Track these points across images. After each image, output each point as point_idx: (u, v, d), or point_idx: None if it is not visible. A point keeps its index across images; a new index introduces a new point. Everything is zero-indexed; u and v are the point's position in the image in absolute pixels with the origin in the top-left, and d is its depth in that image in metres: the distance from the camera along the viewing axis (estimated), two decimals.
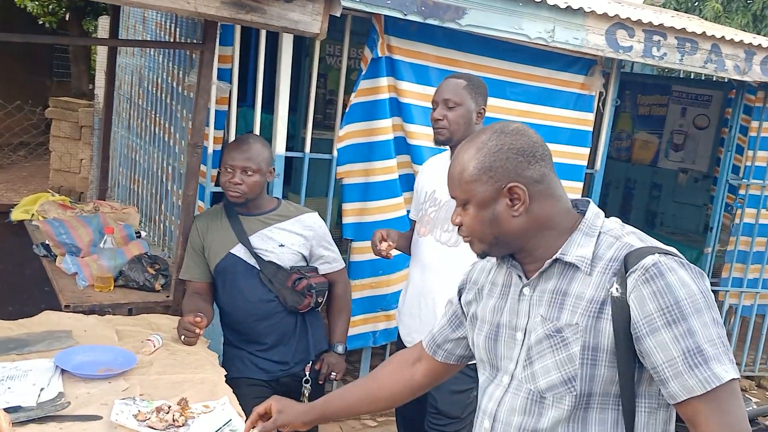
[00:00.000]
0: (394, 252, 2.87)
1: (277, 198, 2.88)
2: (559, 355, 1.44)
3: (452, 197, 1.57)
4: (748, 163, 5.11)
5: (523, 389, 1.51)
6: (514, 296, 1.55)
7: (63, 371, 2.15)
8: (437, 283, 2.67)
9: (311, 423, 1.84)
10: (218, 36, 2.88)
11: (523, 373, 1.51)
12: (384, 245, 2.78)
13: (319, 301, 2.73)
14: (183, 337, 2.50)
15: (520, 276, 1.55)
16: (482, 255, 1.57)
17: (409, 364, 1.85)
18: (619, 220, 1.52)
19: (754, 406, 2.91)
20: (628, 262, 1.38)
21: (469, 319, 1.70)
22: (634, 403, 1.42)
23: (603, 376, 1.41)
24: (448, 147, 2.73)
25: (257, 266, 2.65)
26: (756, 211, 5.20)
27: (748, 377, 5.52)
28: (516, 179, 1.45)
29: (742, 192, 5.15)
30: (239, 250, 2.66)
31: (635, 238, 1.44)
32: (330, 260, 2.80)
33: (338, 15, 2.50)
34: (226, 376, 2.35)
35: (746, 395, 3.16)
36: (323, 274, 2.77)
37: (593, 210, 1.51)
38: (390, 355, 4.30)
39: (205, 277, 2.75)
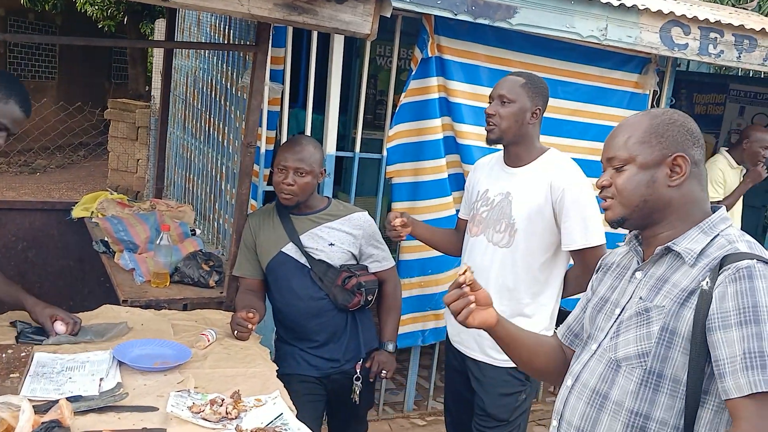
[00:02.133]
0: (408, 231, 2.86)
1: (328, 197, 2.90)
2: (641, 331, 1.54)
3: (607, 158, 1.64)
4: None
5: (605, 357, 1.61)
6: (627, 277, 1.66)
7: (120, 363, 2.22)
8: (489, 283, 2.65)
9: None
10: (271, 38, 2.92)
11: (609, 343, 1.61)
12: (398, 221, 2.76)
13: (369, 299, 2.75)
14: (236, 332, 2.55)
15: (638, 261, 1.65)
16: (617, 222, 1.63)
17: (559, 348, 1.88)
18: (745, 234, 1.57)
19: None
20: (725, 261, 1.46)
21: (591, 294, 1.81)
22: (699, 395, 1.46)
23: (675, 360, 1.49)
24: (501, 146, 2.72)
25: (308, 264, 2.68)
26: None
27: None
28: (683, 151, 1.55)
29: None
30: (290, 249, 2.70)
31: (745, 245, 1.51)
32: (380, 259, 2.82)
33: (389, 15, 2.51)
34: (277, 371, 2.39)
35: None
36: (373, 273, 2.79)
37: (721, 215, 1.59)
38: (439, 354, 4.31)
39: (258, 275, 2.79)
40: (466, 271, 1.66)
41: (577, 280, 2.67)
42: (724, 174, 4.77)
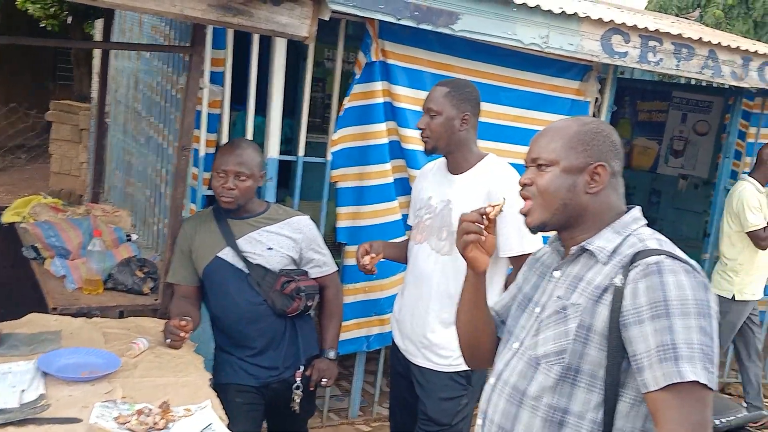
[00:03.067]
0: (380, 259, 2.85)
1: (267, 201, 2.86)
2: (559, 329, 1.58)
3: (531, 158, 1.67)
4: (746, 169, 5.09)
5: (526, 355, 1.65)
6: (548, 277, 1.70)
7: (45, 374, 2.14)
8: (431, 291, 2.66)
9: None
10: (210, 39, 2.88)
11: (530, 342, 1.65)
12: (367, 259, 2.75)
13: (309, 304, 2.71)
14: (168, 340, 2.49)
15: (558, 260, 1.70)
16: (537, 227, 1.68)
17: None
18: (656, 233, 1.61)
19: (745, 413, 2.90)
20: (636, 258, 1.50)
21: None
22: (617, 390, 1.50)
23: (592, 356, 1.52)
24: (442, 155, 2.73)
25: (245, 269, 2.63)
26: None
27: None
28: (605, 161, 1.61)
29: None
30: (227, 254, 2.65)
31: (656, 242, 1.55)
32: (321, 264, 2.78)
33: (327, 19, 2.49)
34: (214, 381, 2.34)
35: (739, 405, 3.15)
36: (314, 278, 2.75)
37: (633, 215, 1.64)
38: (384, 360, 4.29)
39: (193, 281, 2.74)
40: (498, 205, 1.71)
41: None
42: (759, 199, 4.67)
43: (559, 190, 1.61)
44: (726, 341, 4.84)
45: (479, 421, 1.75)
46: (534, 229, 1.68)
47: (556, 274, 1.67)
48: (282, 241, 2.68)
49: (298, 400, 2.70)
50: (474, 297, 1.81)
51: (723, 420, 2.80)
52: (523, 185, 1.68)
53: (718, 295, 4.41)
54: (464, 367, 2.67)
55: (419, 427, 2.76)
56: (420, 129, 2.65)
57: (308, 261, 2.75)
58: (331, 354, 2.79)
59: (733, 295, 4.72)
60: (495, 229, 1.73)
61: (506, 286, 2.72)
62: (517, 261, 2.61)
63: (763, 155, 4.74)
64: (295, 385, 2.70)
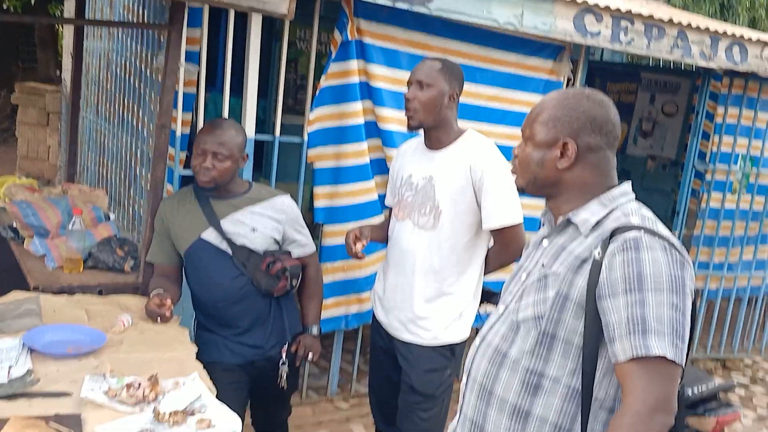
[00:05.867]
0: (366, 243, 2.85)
1: (249, 181, 2.85)
2: (539, 295, 1.63)
3: (521, 130, 1.75)
4: (714, 149, 5.20)
5: (509, 319, 1.71)
6: (539, 245, 1.75)
7: (31, 350, 2.15)
8: (415, 267, 2.70)
9: None
10: (186, 17, 2.86)
11: (513, 306, 1.71)
12: (359, 246, 2.77)
13: (294, 284, 2.72)
14: (158, 319, 2.50)
15: (549, 230, 1.74)
16: (520, 190, 1.76)
17: None
18: (644, 208, 1.64)
19: (717, 382, 2.99)
20: (615, 232, 1.53)
21: None
22: (595, 358, 1.54)
23: (568, 323, 1.58)
24: (421, 131, 2.75)
25: (229, 250, 2.63)
26: (721, 195, 5.31)
27: (713, 359, 5.66)
28: (573, 138, 1.63)
29: (708, 177, 5.24)
30: (210, 235, 2.64)
31: (638, 218, 1.57)
32: (302, 243, 2.80)
33: None
34: (200, 359, 2.36)
35: (710, 375, 3.24)
36: (296, 258, 2.76)
37: (622, 189, 1.66)
38: (362, 338, 4.33)
39: (172, 261, 2.74)
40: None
41: (497, 257, 2.76)
42: None
43: (529, 164, 1.69)
44: None
45: (463, 379, 1.82)
46: (519, 191, 1.79)
47: (545, 242, 1.73)
48: (265, 221, 2.68)
49: (285, 376, 2.73)
50: None
51: (695, 390, 2.88)
52: (514, 156, 1.76)
53: None
54: (449, 340, 2.73)
55: (402, 398, 2.80)
56: (407, 99, 2.65)
57: (291, 241, 2.77)
58: (315, 330, 2.82)
59: None
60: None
61: (487, 259, 2.77)
62: (498, 234, 2.66)
63: None
64: (282, 360, 2.73)
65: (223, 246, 2.63)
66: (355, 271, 3.93)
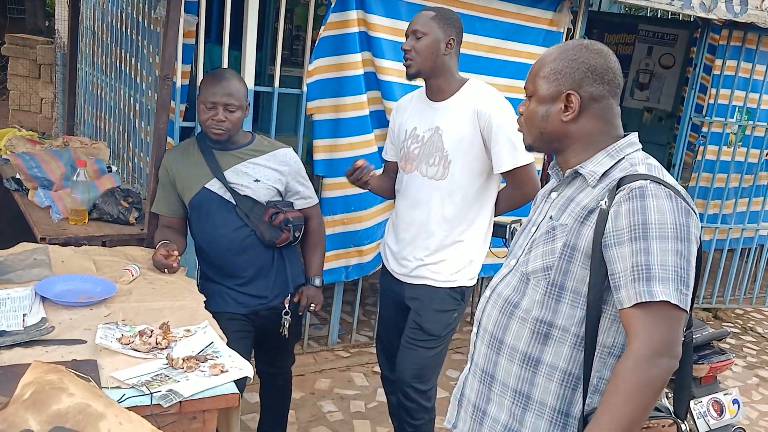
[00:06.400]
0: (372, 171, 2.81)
1: (251, 132, 2.85)
2: (547, 247, 1.66)
3: (525, 87, 1.76)
4: (711, 102, 5.21)
5: (519, 271, 1.74)
6: (547, 198, 1.77)
7: (43, 299, 2.18)
8: (430, 216, 2.72)
9: None
10: None
11: (523, 258, 1.74)
12: (360, 161, 2.73)
13: (297, 235, 2.74)
14: (166, 270, 2.53)
15: (556, 182, 1.77)
16: (528, 147, 1.77)
17: None
18: (651, 158, 1.65)
19: (710, 330, 3.06)
20: (622, 182, 1.55)
21: None
22: (600, 306, 1.58)
23: (575, 273, 1.61)
24: (422, 83, 2.75)
25: (233, 201, 2.64)
26: (717, 148, 5.34)
27: (705, 309, 5.77)
28: (576, 89, 1.64)
29: (704, 130, 5.26)
30: (214, 185, 2.65)
31: (645, 167, 1.59)
32: (305, 195, 2.81)
33: None
34: (205, 302, 2.39)
35: (704, 323, 3.31)
36: (299, 210, 2.78)
37: (629, 140, 1.67)
38: (362, 290, 4.39)
39: (176, 212, 2.75)
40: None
41: (509, 199, 2.79)
42: None
43: (535, 119, 1.70)
44: None
45: (474, 329, 1.86)
46: (527, 149, 1.78)
47: (553, 195, 1.74)
48: (268, 173, 2.69)
49: (287, 326, 2.78)
50: None
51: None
52: (519, 114, 1.77)
53: None
54: (460, 283, 2.77)
55: (408, 336, 2.82)
56: (404, 50, 2.66)
57: (294, 193, 2.78)
58: (317, 281, 2.86)
59: None
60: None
61: (497, 201, 2.80)
62: (510, 176, 2.69)
63: None
64: (285, 310, 2.77)
65: (227, 196, 2.64)
66: (355, 224, 3.96)
